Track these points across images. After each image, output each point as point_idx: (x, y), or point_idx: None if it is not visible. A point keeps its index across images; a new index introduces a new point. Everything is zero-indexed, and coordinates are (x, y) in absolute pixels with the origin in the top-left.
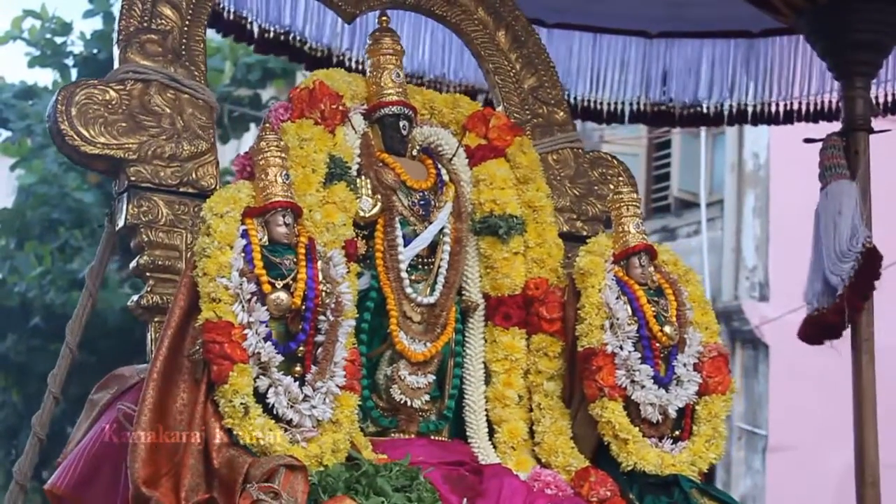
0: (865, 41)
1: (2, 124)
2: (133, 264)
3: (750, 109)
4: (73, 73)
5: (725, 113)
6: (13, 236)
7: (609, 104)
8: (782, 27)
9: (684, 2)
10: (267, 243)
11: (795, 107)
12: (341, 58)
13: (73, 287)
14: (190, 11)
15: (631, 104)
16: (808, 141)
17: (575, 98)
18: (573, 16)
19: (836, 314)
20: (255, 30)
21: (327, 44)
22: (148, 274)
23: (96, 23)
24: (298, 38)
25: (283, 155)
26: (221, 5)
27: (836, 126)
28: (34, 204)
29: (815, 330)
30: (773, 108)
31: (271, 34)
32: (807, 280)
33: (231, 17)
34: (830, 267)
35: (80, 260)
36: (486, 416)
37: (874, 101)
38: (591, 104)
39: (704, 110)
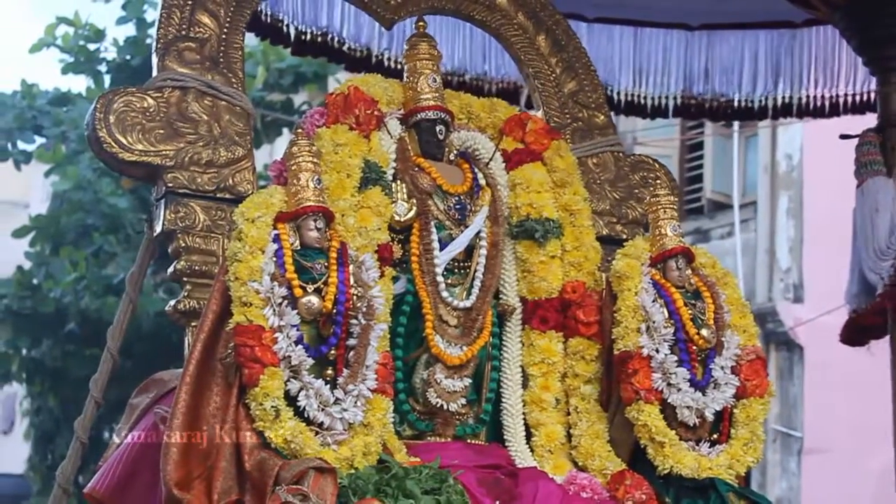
0: None
1: (36, 131)
2: (170, 269)
3: (795, 102)
4: (107, 80)
5: (770, 106)
6: (48, 242)
7: (653, 98)
8: None
9: None
10: (299, 248)
11: (841, 100)
12: (380, 57)
13: (107, 292)
14: (228, 19)
15: (675, 98)
16: (843, 137)
17: (618, 93)
18: (613, 10)
19: (877, 314)
20: (292, 32)
21: (366, 43)
22: (185, 279)
23: (129, 29)
24: (336, 38)
25: (315, 160)
26: (258, 8)
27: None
28: (69, 210)
29: (857, 332)
30: (818, 102)
31: (308, 36)
32: (847, 281)
33: (268, 20)
34: (870, 265)
35: (114, 265)
36: (524, 419)
37: None
38: (635, 98)
39: (748, 104)
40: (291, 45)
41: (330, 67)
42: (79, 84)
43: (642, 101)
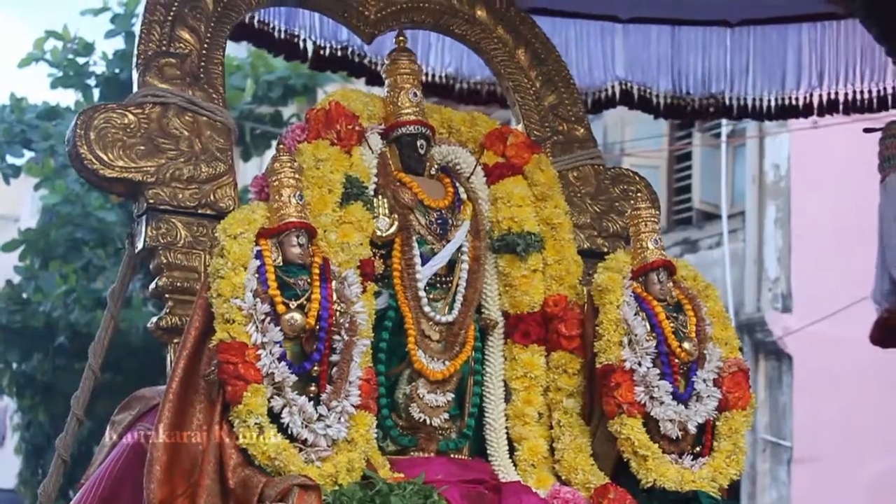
0: None
1: (25, 145)
2: (152, 286)
3: (841, 98)
4: (96, 94)
5: (814, 104)
6: (38, 256)
7: (693, 100)
8: None
9: None
10: (281, 264)
11: (890, 94)
12: None
13: (97, 306)
14: (208, 35)
15: (715, 98)
16: (867, 131)
17: (657, 95)
18: (645, 8)
19: None
20: (310, 48)
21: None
22: (167, 296)
23: (118, 43)
24: (357, 52)
25: (296, 176)
26: (272, 25)
27: None
28: (58, 224)
29: (887, 332)
30: (865, 97)
31: (327, 51)
32: (874, 279)
33: (283, 36)
34: None
35: (103, 279)
36: (507, 433)
37: None
38: (676, 101)
39: (793, 102)
40: (309, 60)
41: (319, 79)
42: (68, 98)
43: (683, 104)
